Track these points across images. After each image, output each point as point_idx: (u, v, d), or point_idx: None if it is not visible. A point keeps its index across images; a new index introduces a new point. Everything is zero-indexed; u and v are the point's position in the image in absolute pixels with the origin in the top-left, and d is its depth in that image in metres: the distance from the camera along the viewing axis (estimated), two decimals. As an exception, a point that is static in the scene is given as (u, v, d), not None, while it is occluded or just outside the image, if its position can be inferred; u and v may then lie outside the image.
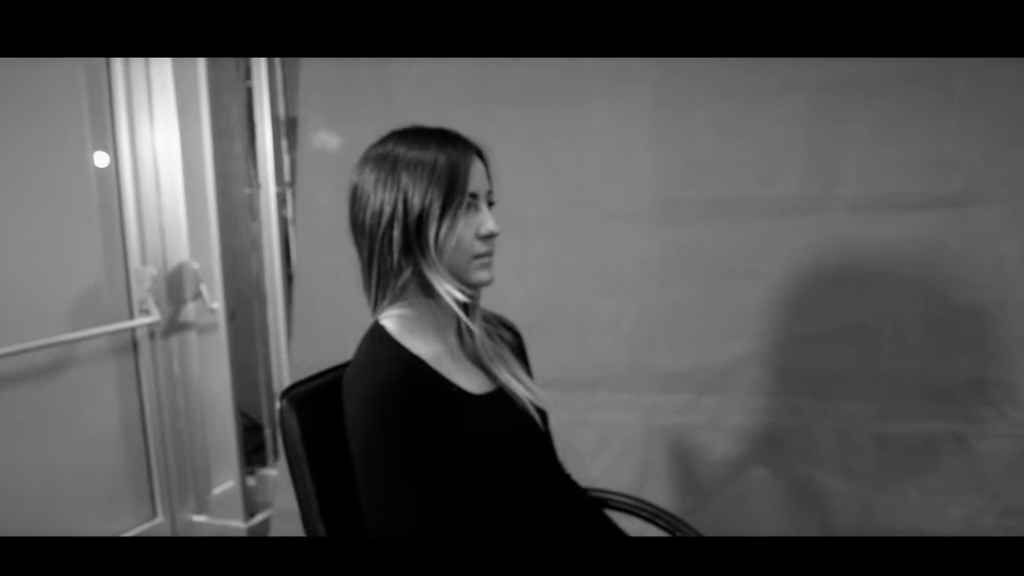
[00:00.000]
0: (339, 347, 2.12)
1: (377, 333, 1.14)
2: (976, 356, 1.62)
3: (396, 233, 1.11)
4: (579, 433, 1.89)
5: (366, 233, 1.14)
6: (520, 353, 1.36)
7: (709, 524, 1.76)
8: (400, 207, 1.10)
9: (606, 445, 1.89)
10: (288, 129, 2.52)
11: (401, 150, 1.13)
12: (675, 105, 1.82)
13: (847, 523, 1.70)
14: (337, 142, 2.20)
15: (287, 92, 2.54)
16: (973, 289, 1.62)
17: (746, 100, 1.76)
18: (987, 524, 1.61)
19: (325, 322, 2.19)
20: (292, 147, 2.51)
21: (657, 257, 1.85)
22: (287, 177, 2.54)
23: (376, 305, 1.17)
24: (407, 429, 1.03)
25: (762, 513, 1.76)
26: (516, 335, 1.36)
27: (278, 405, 1.19)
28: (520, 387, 1.22)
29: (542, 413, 1.26)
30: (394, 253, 1.12)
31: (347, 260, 2.17)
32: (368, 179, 1.13)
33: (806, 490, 1.74)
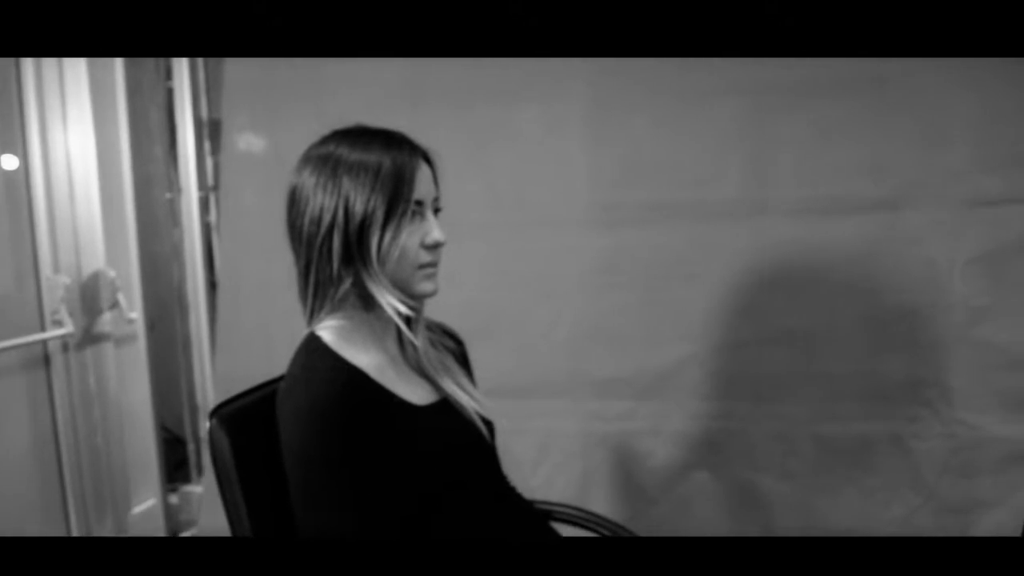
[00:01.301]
0: (267, 359, 2.00)
1: (313, 344, 1.05)
2: (910, 357, 1.62)
3: (336, 241, 1.02)
4: (517, 442, 1.82)
5: (304, 240, 1.05)
6: (464, 362, 1.29)
7: (652, 530, 1.72)
8: (341, 213, 1.02)
9: (545, 454, 1.83)
10: (211, 131, 2.39)
11: (343, 151, 1.05)
12: (612, 107, 1.77)
13: (788, 525, 1.68)
14: (264, 144, 2.09)
15: (210, 93, 2.41)
16: (906, 291, 1.61)
17: (683, 102, 1.73)
18: (924, 522, 1.61)
19: (252, 332, 2.08)
20: (215, 149, 2.39)
21: (595, 261, 1.80)
22: (210, 181, 2.42)
23: (312, 316, 1.08)
24: (347, 446, 0.95)
25: (704, 517, 1.73)
26: (459, 343, 1.29)
27: (207, 424, 1.09)
28: (465, 397, 1.15)
29: (488, 424, 1.19)
30: (333, 262, 1.03)
31: (276, 267, 2.06)
32: (307, 182, 1.05)
33: (747, 493, 1.72)
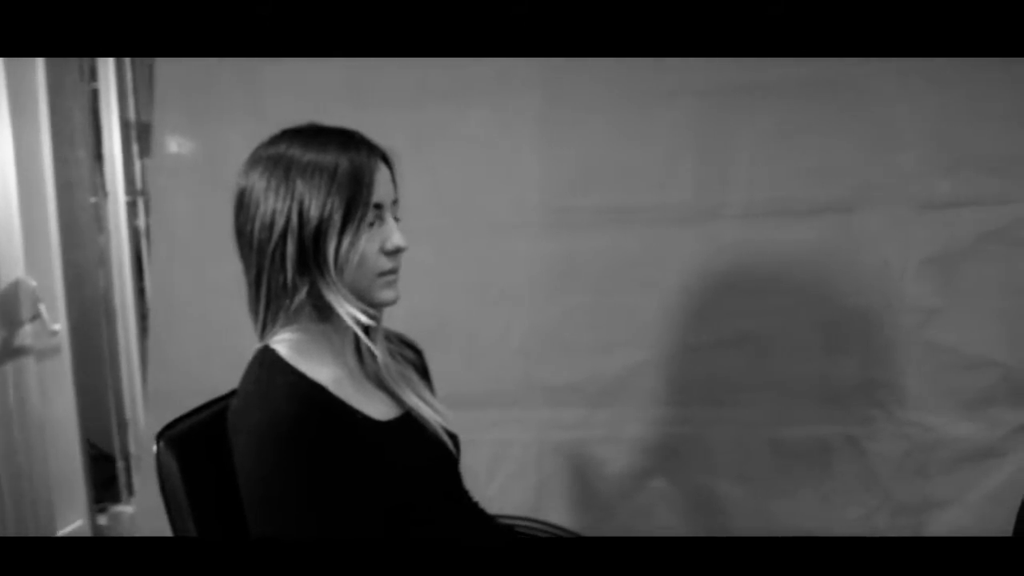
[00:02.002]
0: (205, 372, 1.90)
1: (267, 359, 0.97)
2: (864, 359, 1.61)
3: (290, 247, 0.94)
4: (470, 453, 1.72)
5: (254, 246, 0.96)
6: (424, 373, 1.22)
7: (609, 540, 1.68)
8: (295, 218, 0.94)
9: (499, 464, 1.76)
10: (139, 133, 2.27)
11: (296, 152, 0.96)
12: (565, 108, 1.73)
13: (746, 530, 1.65)
14: (197, 146, 1.97)
15: (137, 94, 2.29)
16: (860, 293, 1.61)
17: (636, 104, 1.69)
18: (881, 523, 1.60)
19: (187, 344, 1.96)
20: (144, 152, 2.27)
21: (546, 267, 1.75)
22: (139, 184, 2.29)
23: (265, 328, 1.00)
24: (308, 465, 0.88)
25: (663, 524, 1.69)
26: (418, 353, 1.23)
27: (154, 448, 1.01)
28: (429, 410, 1.08)
29: (453, 438, 1.12)
30: (287, 270, 0.95)
31: (213, 275, 1.97)
32: (258, 184, 0.96)
33: (705, 499, 1.68)
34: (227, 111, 1.90)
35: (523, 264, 1.76)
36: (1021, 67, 1.52)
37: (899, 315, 1.59)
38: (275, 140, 1.00)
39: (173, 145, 1.98)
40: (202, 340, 1.94)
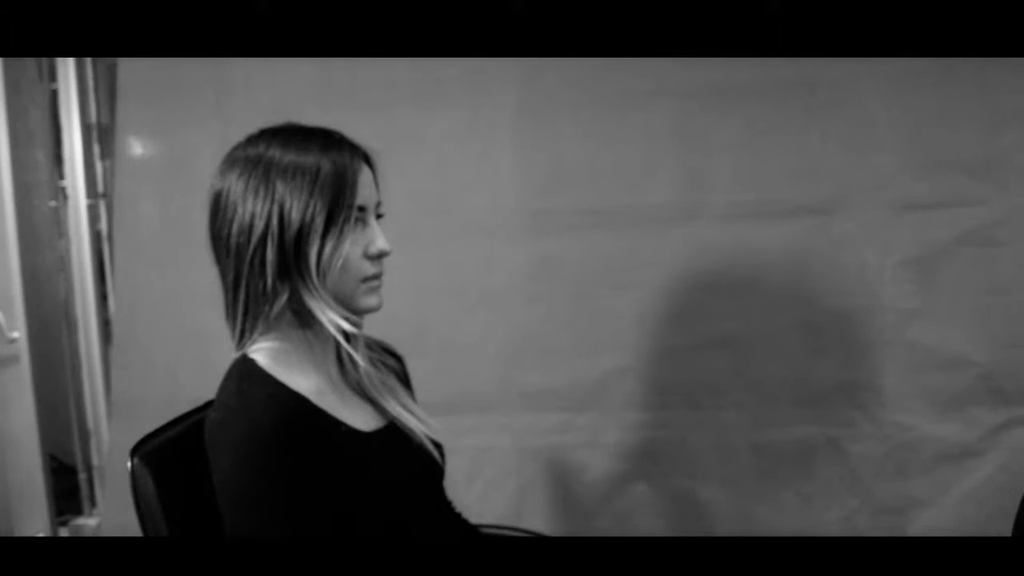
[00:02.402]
0: (171, 380, 1.86)
1: (247, 369, 0.92)
2: (844, 360, 1.60)
3: (270, 252, 0.90)
4: (449, 459, 1.70)
5: (232, 251, 0.92)
6: (405, 380, 1.18)
7: (590, 547, 1.65)
8: (275, 221, 0.89)
9: (478, 472, 1.72)
10: (101, 134, 2.19)
11: (276, 153, 0.92)
12: (540, 109, 1.69)
13: (728, 534, 1.63)
14: (162, 148, 1.91)
15: (98, 94, 2.21)
16: (839, 295, 1.59)
17: (613, 105, 1.67)
18: (862, 524, 1.60)
19: (152, 351, 1.89)
20: (105, 154, 2.19)
21: (524, 270, 1.71)
22: (100, 187, 2.21)
23: (243, 336, 0.95)
24: (291, 480, 0.84)
25: (645, 530, 1.66)
26: (399, 360, 1.19)
27: (128, 464, 0.97)
28: (413, 420, 1.05)
29: (438, 447, 1.09)
30: (267, 276, 0.90)
31: (179, 279, 1.90)
32: (235, 186, 0.91)
33: (687, 503, 1.66)
34: (193, 111, 1.84)
35: (500, 267, 1.72)
36: (994, 69, 1.52)
37: (878, 316, 1.58)
38: (253, 140, 0.96)
39: (137, 146, 1.91)
40: (168, 348, 1.88)
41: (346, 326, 0.93)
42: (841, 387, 1.60)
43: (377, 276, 0.99)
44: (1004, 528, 1.52)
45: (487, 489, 1.72)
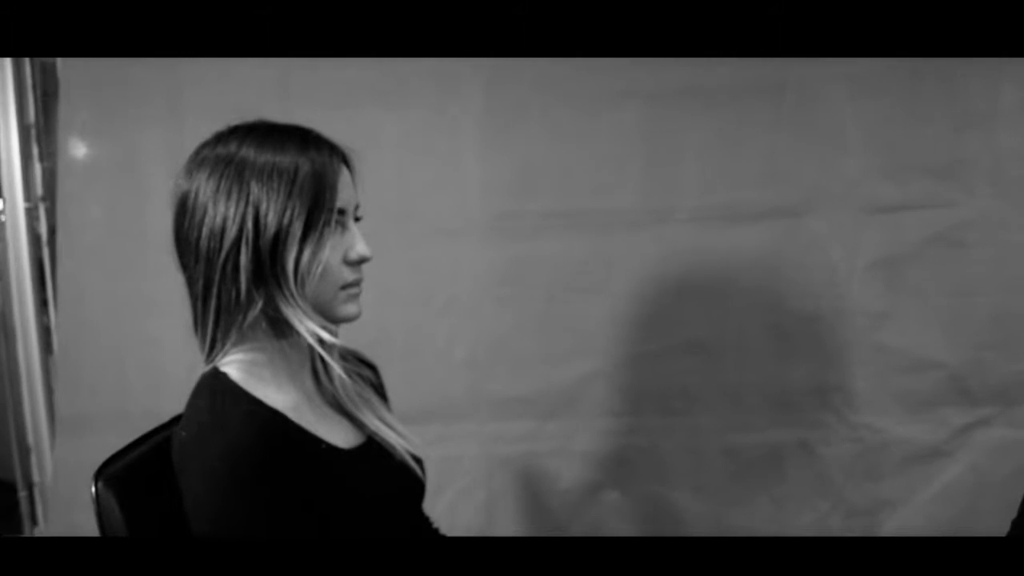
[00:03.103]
0: (120, 392, 1.76)
1: (220, 384, 0.85)
2: (815, 363, 1.59)
3: (244, 258, 0.83)
4: (419, 472, 1.66)
5: (202, 256, 0.85)
6: (381, 392, 1.12)
7: (562, 556, 1.60)
8: (250, 225, 0.83)
9: (447, 482, 1.66)
10: (40, 135, 2.06)
11: (250, 152, 0.85)
12: (506, 110, 1.64)
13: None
14: (108, 148, 1.79)
15: (36, 93, 2.09)
16: (810, 297, 1.58)
17: (581, 107, 1.62)
18: (835, 526, 1.59)
19: (100, 362, 1.78)
20: (45, 156, 2.06)
21: (492, 274, 1.66)
22: (39, 190, 2.09)
23: (213, 348, 0.88)
24: (272, 503, 0.79)
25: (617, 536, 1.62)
26: (375, 371, 1.13)
27: (92, 489, 0.89)
28: (393, 434, 0.99)
29: (419, 462, 1.03)
30: (241, 283, 0.84)
31: (129, 286, 1.80)
32: (205, 187, 0.85)
33: (660, 510, 1.63)
34: (142, 110, 1.74)
35: (467, 272, 1.67)
36: (959, 71, 1.53)
37: (848, 318, 1.57)
38: (223, 138, 0.89)
39: (81, 147, 1.80)
40: (117, 359, 1.77)
41: (326, 336, 0.87)
42: (812, 390, 1.59)
43: (357, 283, 0.93)
44: (973, 528, 1.54)
45: (456, 500, 1.66)
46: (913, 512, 1.56)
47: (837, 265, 1.58)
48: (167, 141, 1.71)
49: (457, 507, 1.66)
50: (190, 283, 0.89)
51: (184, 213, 0.87)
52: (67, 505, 1.81)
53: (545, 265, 1.65)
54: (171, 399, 1.67)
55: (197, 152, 0.90)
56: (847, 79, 1.55)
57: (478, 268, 1.67)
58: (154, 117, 1.74)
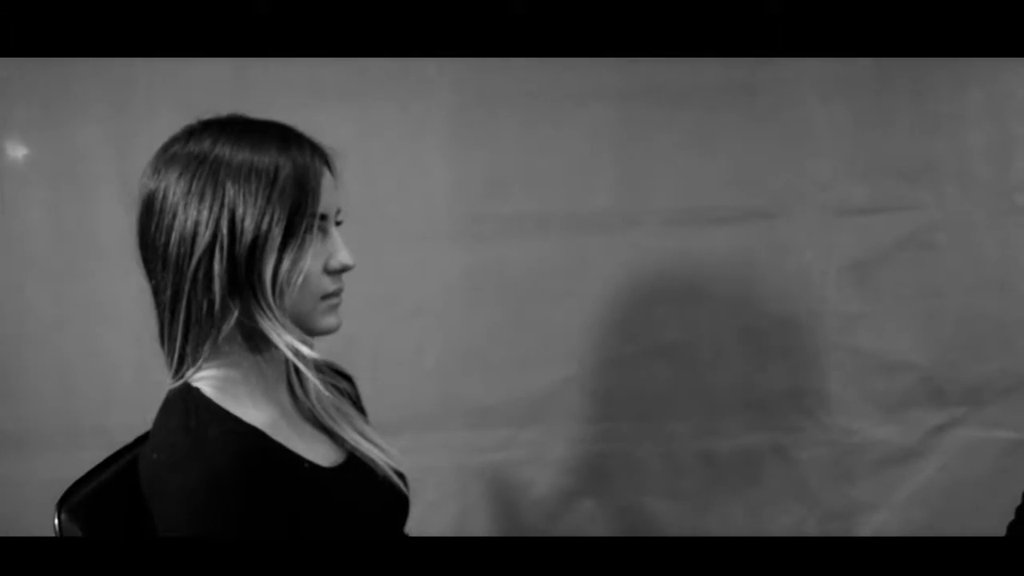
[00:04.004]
0: (65, 408, 1.64)
1: (193, 401, 0.79)
2: (790, 366, 1.57)
3: (218, 265, 0.76)
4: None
5: (171, 263, 0.78)
6: (358, 404, 1.06)
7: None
8: (225, 229, 0.76)
9: (417, 494, 1.54)
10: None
11: (226, 150, 0.79)
12: (474, 109, 1.58)
13: (678, 548, 1.58)
14: (51, 149, 1.67)
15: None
16: (783, 300, 1.57)
17: (551, 107, 1.58)
18: (811, 530, 1.57)
19: (44, 375, 1.65)
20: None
21: (461, 279, 1.60)
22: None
23: (182, 362, 0.80)
24: (257, 528, 0.73)
25: (593, 548, 1.58)
26: (351, 382, 1.07)
27: (55, 521, 0.82)
28: (374, 450, 0.93)
29: (402, 477, 0.98)
30: (215, 292, 0.77)
31: (74, 294, 1.68)
32: (175, 187, 0.77)
33: (636, 517, 1.60)
34: (88, 109, 1.62)
35: (435, 276, 1.60)
36: (927, 73, 1.53)
37: (822, 321, 1.56)
38: (196, 134, 0.81)
39: (20, 148, 1.67)
40: (62, 371, 1.65)
41: (306, 350, 0.80)
42: (788, 393, 1.58)
43: (337, 293, 0.87)
44: (948, 528, 1.53)
45: (427, 512, 1.59)
46: (889, 514, 1.56)
47: (810, 267, 1.56)
48: (113, 141, 1.61)
49: (429, 520, 1.59)
50: (156, 292, 0.82)
51: (151, 215, 0.80)
52: (8, 525, 1.69)
53: (516, 269, 1.60)
54: (121, 413, 1.58)
55: (165, 148, 0.83)
56: (817, 80, 1.54)
57: (447, 272, 1.60)
58: (98, 116, 1.62)
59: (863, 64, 1.52)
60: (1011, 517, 1.50)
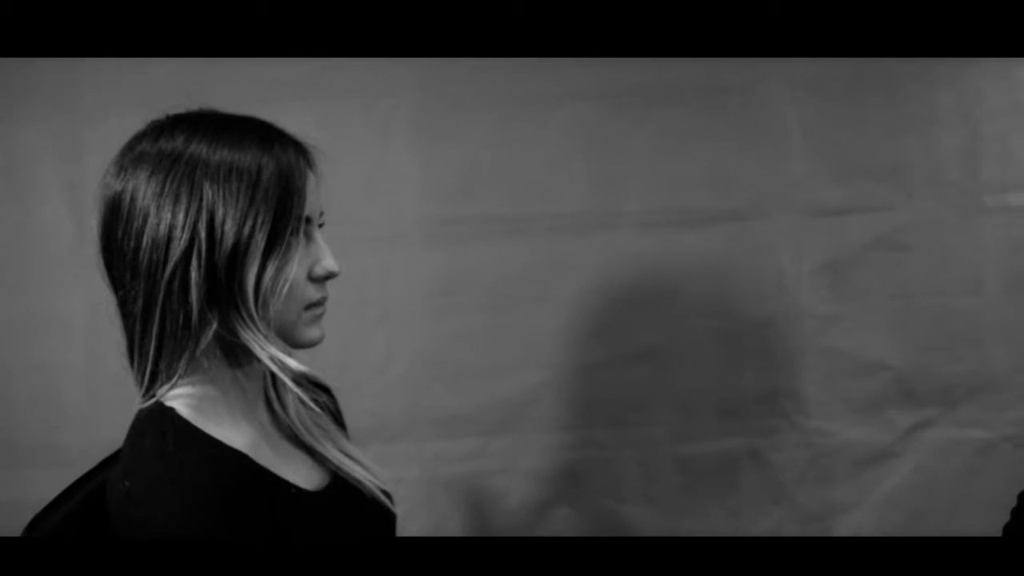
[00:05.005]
0: (8, 424, 1.53)
1: (168, 422, 0.71)
2: (765, 369, 1.54)
3: (196, 274, 0.69)
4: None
5: (140, 271, 0.70)
6: (339, 419, 0.99)
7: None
8: (203, 234, 0.69)
9: (386, 507, 1.52)
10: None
11: (202, 148, 0.71)
12: (443, 108, 1.52)
13: (656, 554, 1.53)
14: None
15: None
16: (759, 302, 1.53)
17: (523, 107, 1.52)
18: (790, 533, 1.53)
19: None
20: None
21: (430, 283, 1.54)
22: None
23: (155, 380, 0.73)
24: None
25: (570, 559, 1.52)
26: (330, 395, 1.00)
27: None
28: (358, 468, 0.87)
29: (388, 496, 0.92)
30: (192, 303, 0.69)
31: (18, 305, 1.57)
32: (145, 188, 0.70)
33: (612, 525, 1.54)
34: (31, 109, 1.51)
35: (403, 281, 1.54)
36: (898, 74, 1.52)
37: (797, 322, 1.53)
38: (167, 130, 0.74)
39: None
40: (4, 386, 1.53)
41: (293, 364, 0.73)
42: (763, 396, 1.54)
43: (322, 302, 0.80)
44: (924, 528, 1.52)
45: (397, 527, 1.52)
46: (865, 515, 1.53)
47: (785, 269, 1.53)
48: (59, 142, 1.50)
49: (399, 534, 1.52)
50: (124, 303, 0.74)
51: (116, 219, 0.72)
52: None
53: (486, 273, 1.54)
54: (70, 431, 1.49)
55: (131, 147, 0.75)
56: (790, 81, 1.52)
57: (415, 277, 1.54)
58: (42, 116, 1.52)
59: (836, 65, 1.50)
60: (985, 515, 1.50)
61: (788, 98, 1.53)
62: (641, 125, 1.53)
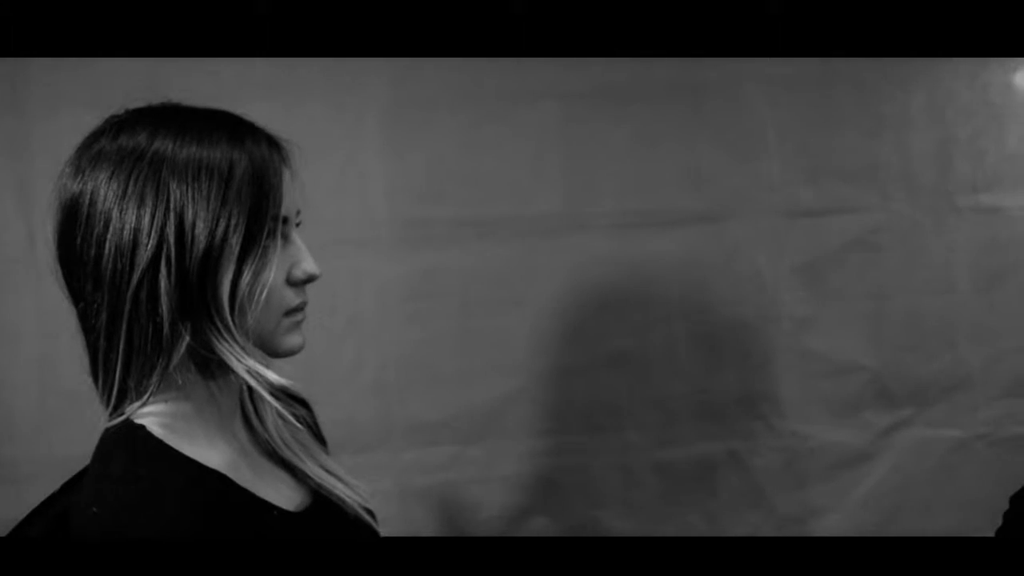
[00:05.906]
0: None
1: (140, 442, 0.65)
2: (742, 372, 1.51)
3: (165, 282, 0.63)
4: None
5: (104, 279, 0.63)
6: (317, 433, 0.93)
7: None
8: (172, 238, 0.62)
9: (357, 519, 1.46)
10: None
11: (167, 144, 0.65)
12: (412, 107, 1.47)
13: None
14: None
15: None
16: (735, 304, 1.51)
17: (494, 106, 1.48)
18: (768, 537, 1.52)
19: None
20: None
21: (400, 288, 1.48)
22: None
23: (123, 398, 0.66)
24: None
25: (547, 569, 1.47)
26: (307, 407, 0.94)
27: None
28: (340, 485, 0.81)
29: (371, 515, 0.86)
30: (162, 314, 0.63)
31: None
32: (106, 189, 0.63)
33: (591, 532, 1.50)
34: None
35: (373, 286, 1.48)
36: (870, 74, 1.51)
37: (773, 324, 1.52)
38: (125, 126, 0.67)
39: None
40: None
41: (272, 376, 0.67)
42: (740, 399, 1.52)
43: (301, 307, 0.75)
44: (900, 529, 1.50)
45: (369, 538, 1.47)
46: (842, 517, 1.52)
47: (761, 270, 1.51)
48: (6, 141, 1.42)
49: (372, 548, 1.46)
50: (86, 316, 0.67)
51: (75, 223, 0.65)
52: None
53: (458, 277, 1.49)
54: (22, 445, 1.40)
55: (89, 145, 0.68)
56: (765, 81, 1.50)
57: (384, 281, 1.48)
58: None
59: (810, 65, 1.49)
60: (960, 514, 1.50)
61: (763, 99, 1.51)
62: (615, 126, 1.50)
